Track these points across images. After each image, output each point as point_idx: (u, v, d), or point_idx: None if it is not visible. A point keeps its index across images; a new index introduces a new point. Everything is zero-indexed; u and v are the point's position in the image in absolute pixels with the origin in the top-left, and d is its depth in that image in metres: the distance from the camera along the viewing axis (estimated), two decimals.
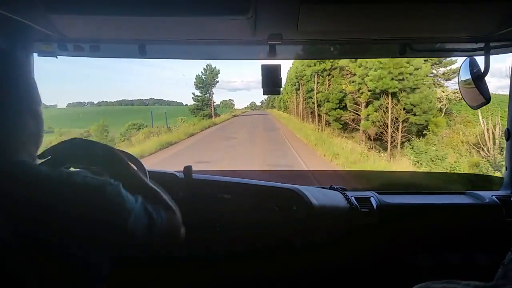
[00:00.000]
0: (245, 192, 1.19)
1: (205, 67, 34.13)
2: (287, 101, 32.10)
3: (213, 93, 36.73)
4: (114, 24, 0.92)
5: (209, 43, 1.12)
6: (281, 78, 1.06)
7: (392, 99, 13.37)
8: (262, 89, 1.08)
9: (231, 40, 1.08)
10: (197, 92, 36.84)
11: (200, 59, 1.37)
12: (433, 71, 15.87)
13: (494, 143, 10.90)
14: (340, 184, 1.35)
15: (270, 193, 1.19)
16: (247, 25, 0.89)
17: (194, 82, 36.38)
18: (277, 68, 1.05)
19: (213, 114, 36.07)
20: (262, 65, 1.05)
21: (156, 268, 1.18)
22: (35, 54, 1.12)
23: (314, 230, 1.17)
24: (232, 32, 0.98)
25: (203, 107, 35.88)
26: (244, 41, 1.08)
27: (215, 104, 37.64)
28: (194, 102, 36.74)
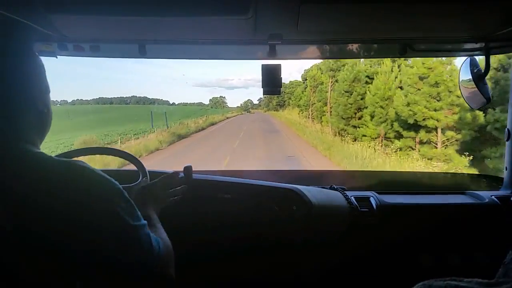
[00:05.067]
0: (245, 192, 1.19)
1: None
2: None
3: None
4: (114, 24, 0.92)
5: (209, 43, 1.12)
6: (281, 78, 1.06)
7: None
8: (261, 88, 1.08)
9: (231, 40, 1.08)
10: None
11: (200, 59, 1.38)
12: None
13: None
14: (340, 184, 1.35)
15: (270, 193, 1.19)
16: (247, 25, 0.89)
17: None
18: (277, 68, 1.05)
19: None
20: (262, 65, 1.05)
21: None
22: None
23: (314, 230, 1.16)
24: (232, 32, 0.98)
25: None
26: (244, 41, 1.08)
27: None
28: None
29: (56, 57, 1.14)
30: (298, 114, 27.43)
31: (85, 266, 0.55)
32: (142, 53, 1.11)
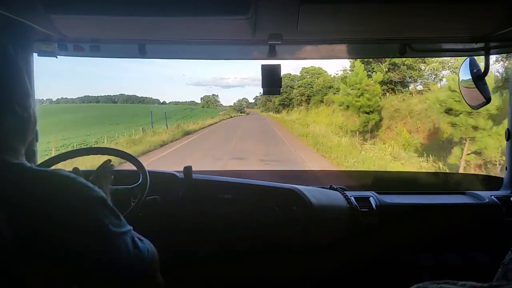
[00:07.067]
0: (245, 192, 1.19)
1: None
2: None
3: None
4: (114, 24, 0.92)
5: (209, 43, 1.12)
6: (281, 78, 1.07)
7: None
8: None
9: (231, 40, 1.08)
10: None
11: (200, 59, 1.38)
12: None
13: None
14: (340, 184, 1.35)
15: (270, 193, 1.19)
16: (247, 25, 0.89)
17: None
18: (277, 68, 1.05)
19: None
20: (262, 65, 1.05)
21: None
22: (35, 54, 1.12)
23: (314, 230, 1.16)
24: (232, 32, 0.98)
25: None
26: (244, 41, 1.08)
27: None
28: None
29: (56, 57, 1.14)
30: (361, 133, 12.12)
31: (77, 271, 0.55)
32: (142, 53, 1.11)
